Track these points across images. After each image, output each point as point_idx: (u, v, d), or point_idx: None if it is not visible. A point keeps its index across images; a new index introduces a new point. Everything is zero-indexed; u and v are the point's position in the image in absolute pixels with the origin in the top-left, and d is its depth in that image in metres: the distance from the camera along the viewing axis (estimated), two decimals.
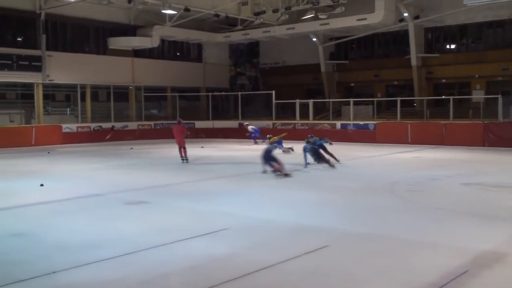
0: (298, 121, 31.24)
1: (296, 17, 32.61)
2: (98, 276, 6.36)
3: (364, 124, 28.74)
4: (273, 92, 32.41)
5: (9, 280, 6.11)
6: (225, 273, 6.35)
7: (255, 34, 35.08)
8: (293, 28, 33.27)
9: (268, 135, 19.65)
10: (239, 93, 35.38)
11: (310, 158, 16.65)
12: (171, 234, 8.20)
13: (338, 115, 32.79)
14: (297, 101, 32.03)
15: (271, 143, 16.02)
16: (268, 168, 14.66)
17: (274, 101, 32.37)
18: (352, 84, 37.59)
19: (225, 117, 35.47)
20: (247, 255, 7.12)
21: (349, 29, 32.93)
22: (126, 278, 6.25)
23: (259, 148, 23.73)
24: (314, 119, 31.47)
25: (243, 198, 11.56)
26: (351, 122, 29.32)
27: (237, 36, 35.78)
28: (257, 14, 31.25)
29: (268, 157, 14.70)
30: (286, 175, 14.40)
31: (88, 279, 6.24)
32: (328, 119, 31.12)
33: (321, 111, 33.48)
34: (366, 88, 36.82)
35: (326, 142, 17.75)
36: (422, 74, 33.21)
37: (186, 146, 18.93)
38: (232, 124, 33.03)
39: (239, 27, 34.73)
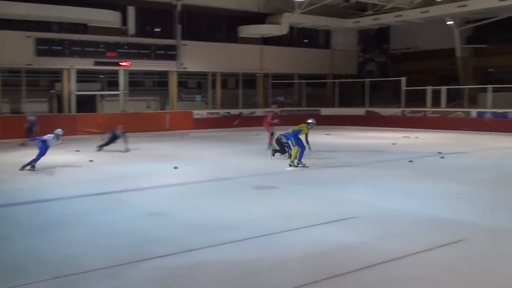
0: (429, 109, 29.83)
1: (431, 0, 31.04)
2: (231, 256, 6.58)
3: (504, 112, 26.72)
4: (403, 78, 31.22)
5: (150, 255, 6.52)
6: (354, 262, 6.26)
7: (386, 19, 33.90)
8: (427, 11, 31.60)
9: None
10: (367, 79, 34.51)
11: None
12: (299, 220, 8.23)
13: (473, 102, 30.78)
14: (428, 88, 30.52)
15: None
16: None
17: (404, 88, 31.18)
18: (491, 70, 34.97)
19: (352, 104, 34.87)
20: (377, 245, 6.95)
21: (489, 11, 30.51)
22: (259, 260, 6.39)
23: (383, 136, 23.07)
24: (446, 106, 29.84)
25: (371, 187, 11.26)
26: (489, 110, 27.40)
27: (367, 22, 34.82)
28: None
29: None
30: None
31: (223, 258, 6.47)
32: (462, 107, 29.37)
33: (454, 99, 31.61)
34: (507, 74, 34.03)
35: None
36: None
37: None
38: (359, 111, 32.41)
39: (369, 12, 33.81)
